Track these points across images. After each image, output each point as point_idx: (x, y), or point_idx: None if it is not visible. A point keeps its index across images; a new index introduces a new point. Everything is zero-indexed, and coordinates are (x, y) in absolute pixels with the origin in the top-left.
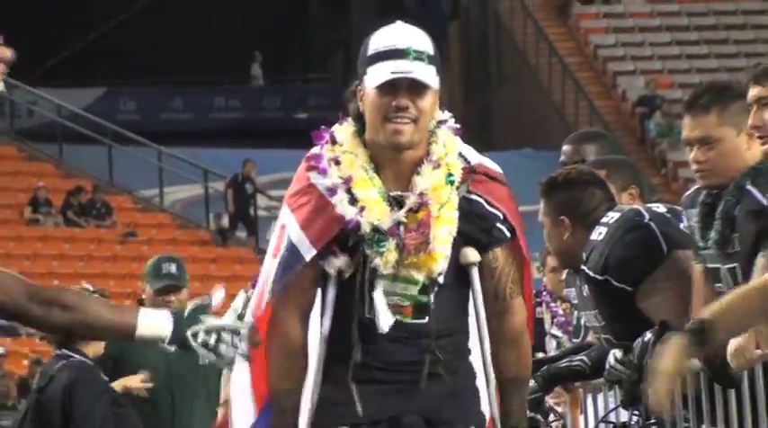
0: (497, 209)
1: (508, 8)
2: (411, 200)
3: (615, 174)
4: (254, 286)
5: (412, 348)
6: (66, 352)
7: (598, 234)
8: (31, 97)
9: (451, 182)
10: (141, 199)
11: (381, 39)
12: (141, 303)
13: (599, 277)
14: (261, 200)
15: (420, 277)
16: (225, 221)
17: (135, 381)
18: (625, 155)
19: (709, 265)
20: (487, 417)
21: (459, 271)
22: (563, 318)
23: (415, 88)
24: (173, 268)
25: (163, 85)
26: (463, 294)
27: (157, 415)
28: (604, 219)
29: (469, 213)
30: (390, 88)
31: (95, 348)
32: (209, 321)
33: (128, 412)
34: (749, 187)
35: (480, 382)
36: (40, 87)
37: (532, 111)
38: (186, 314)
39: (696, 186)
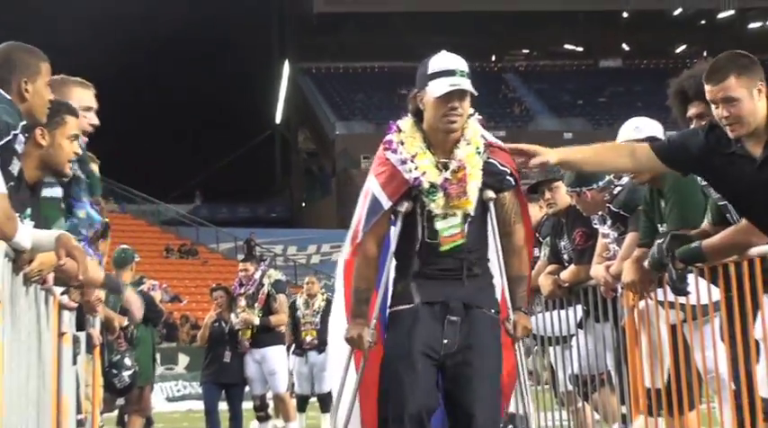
0: (506, 167)
1: (359, 173)
2: (454, 165)
3: None
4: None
5: (455, 259)
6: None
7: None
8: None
9: (479, 153)
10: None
11: (438, 62)
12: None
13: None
14: None
15: (459, 214)
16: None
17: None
18: None
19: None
20: (500, 301)
21: (482, 208)
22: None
23: (463, 95)
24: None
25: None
26: (484, 223)
27: None
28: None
29: (489, 171)
30: (447, 95)
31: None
32: None
33: None
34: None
35: (497, 279)
36: (171, 203)
37: None
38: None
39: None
